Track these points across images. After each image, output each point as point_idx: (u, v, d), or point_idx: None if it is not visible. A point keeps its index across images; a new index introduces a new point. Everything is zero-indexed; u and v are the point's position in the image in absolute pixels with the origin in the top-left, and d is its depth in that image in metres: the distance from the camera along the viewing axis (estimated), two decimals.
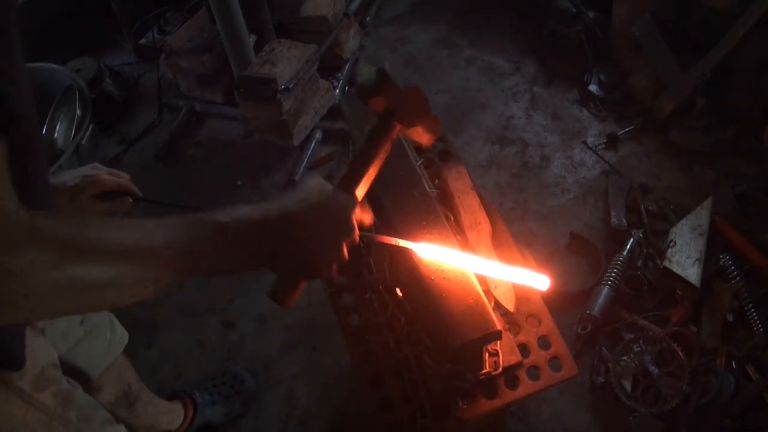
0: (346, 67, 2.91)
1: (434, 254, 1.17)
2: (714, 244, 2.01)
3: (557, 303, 2.02)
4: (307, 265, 0.81)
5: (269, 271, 0.82)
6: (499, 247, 1.46)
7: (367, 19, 3.20)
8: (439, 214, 1.31)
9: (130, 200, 1.26)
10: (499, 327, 1.15)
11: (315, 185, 0.84)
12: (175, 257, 0.69)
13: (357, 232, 0.86)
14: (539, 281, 1.08)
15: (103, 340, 1.37)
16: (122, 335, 1.44)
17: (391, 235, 1.35)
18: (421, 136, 0.99)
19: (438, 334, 1.22)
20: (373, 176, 0.93)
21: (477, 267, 1.18)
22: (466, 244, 1.40)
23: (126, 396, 1.49)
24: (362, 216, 0.87)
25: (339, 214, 0.83)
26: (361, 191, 0.92)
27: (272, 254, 0.78)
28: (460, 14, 3.25)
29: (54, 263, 0.60)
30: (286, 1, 2.83)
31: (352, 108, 1.55)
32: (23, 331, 0.96)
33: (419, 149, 1.65)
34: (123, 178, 1.23)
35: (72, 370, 1.27)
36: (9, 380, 0.94)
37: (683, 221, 2.08)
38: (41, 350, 1.06)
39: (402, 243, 1.09)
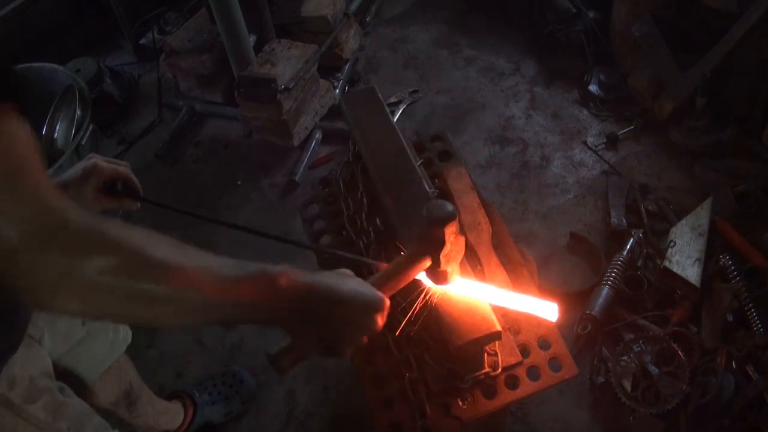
0: (346, 67, 2.92)
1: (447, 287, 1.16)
2: (714, 244, 2.01)
3: (557, 303, 2.02)
4: (331, 344, 0.87)
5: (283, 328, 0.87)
6: (499, 247, 1.46)
7: (367, 19, 3.20)
8: None
9: (136, 205, 1.26)
10: (499, 327, 1.15)
11: (353, 275, 0.92)
12: (220, 289, 0.73)
13: (380, 328, 0.92)
14: (549, 311, 1.09)
15: (105, 341, 1.36)
16: (125, 335, 1.44)
17: (392, 235, 1.35)
18: (440, 277, 1.06)
19: (438, 334, 1.22)
20: (401, 286, 1.02)
21: (488, 296, 1.17)
22: (465, 244, 1.40)
23: (127, 396, 1.49)
24: (384, 318, 0.93)
25: (373, 312, 0.90)
26: (388, 295, 0.98)
27: (305, 323, 0.84)
28: (460, 14, 3.25)
29: (113, 270, 0.64)
30: (286, 1, 2.84)
31: (352, 108, 1.55)
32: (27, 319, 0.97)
33: (419, 149, 1.65)
34: (121, 166, 1.24)
35: (71, 372, 1.27)
36: None
37: (683, 221, 2.08)
38: (34, 360, 1.06)
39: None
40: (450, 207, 1.02)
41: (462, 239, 1.05)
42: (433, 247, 1.02)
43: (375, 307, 0.90)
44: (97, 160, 1.21)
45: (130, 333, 1.45)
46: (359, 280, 0.92)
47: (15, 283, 0.62)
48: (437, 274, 1.06)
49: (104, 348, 1.37)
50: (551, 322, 1.36)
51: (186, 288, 0.70)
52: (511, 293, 1.17)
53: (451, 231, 1.01)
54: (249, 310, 0.78)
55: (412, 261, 1.03)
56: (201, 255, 0.74)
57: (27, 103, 0.64)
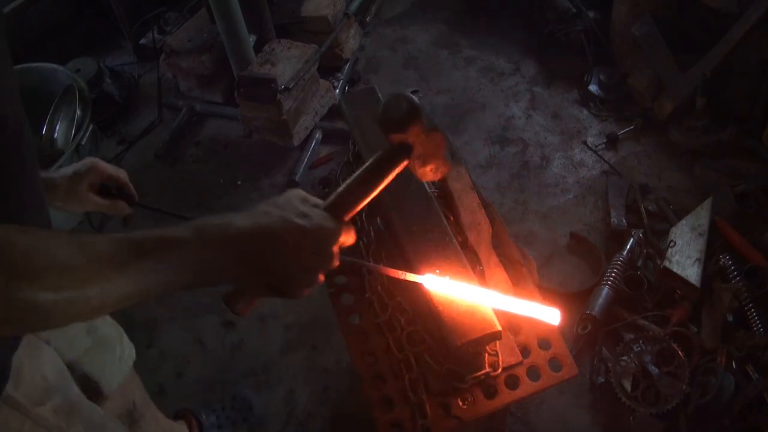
0: (346, 67, 2.92)
1: (442, 287, 1.13)
2: (714, 244, 2.01)
3: (557, 303, 2.02)
4: (279, 285, 0.77)
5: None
6: (499, 246, 1.46)
7: (367, 19, 3.20)
8: (439, 214, 1.31)
9: (128, 208, 1.25)
10: (499, 327, 1.15)
11: (299, 201, 0.79)
12: (121, 282, 0.65)
13: (337, 261, 0.80)
14: (551, 315, 1.04)
15: (113, 354, 1.30)
16: (130, 351, 1.37)
17: (392, 236, 1.35)
18: (426, 175, 0.92)
19: (438, 334, 1.22)
20: (366, 204, 0.87)
21: (488, 300, 1.15)
22: (465, 245, 1.40)
23: (130, 414, 1.42)
24: (345, 239, 0.82)
25: (323, 243, 0.78)
26: (348, 217, 0.85)
27: (244, 268, 0.73)
28: (460, 14, 3.25)
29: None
30: (286, 1, 2.84)
31: (352, 108, 1.55)
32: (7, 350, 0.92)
33: None
34: (121, 172, 1.22)
35: (82, 381, 1.24)
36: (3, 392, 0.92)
37: (683, 221, 2.08)
38: (43, 361, 1.03)
39: (409, 277, 1.04)
40: (410, 100, 0.85)
41: (437, 135, 0.86)
42: (399, 151, 0.87)
43: (322, 237, 0.77)
44: (98, 160, 1.20)
45: (134, 350, 1.39)
46: (306, 207, 0.78)
47: None
48: (421, 174, 0.91)
49: (113, 361, 1.30)
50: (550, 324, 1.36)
51: (93, 284, 0.63)
52: (513, 298, 1.16)
53: (417, 131, 0.85)
54: (165, 285, 0.69)
55: (376, 167, 0.87)
56: (96, 246, 0.65)
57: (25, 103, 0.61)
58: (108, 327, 1.30)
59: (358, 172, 0.87)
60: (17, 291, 0.58)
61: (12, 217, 0.81)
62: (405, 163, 0.88)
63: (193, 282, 0.71)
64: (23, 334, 0.63)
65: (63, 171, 1.17)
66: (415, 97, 0.86)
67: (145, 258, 0.67)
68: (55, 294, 0.61)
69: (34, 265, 0.60)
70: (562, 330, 1.39)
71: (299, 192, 0.81)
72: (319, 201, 0.82)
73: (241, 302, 0.81)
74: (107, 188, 1.22)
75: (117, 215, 1.27)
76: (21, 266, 0.59)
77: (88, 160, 1.18)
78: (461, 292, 1.13)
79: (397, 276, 1.03)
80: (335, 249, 0.80)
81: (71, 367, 1.14)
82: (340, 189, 0.85)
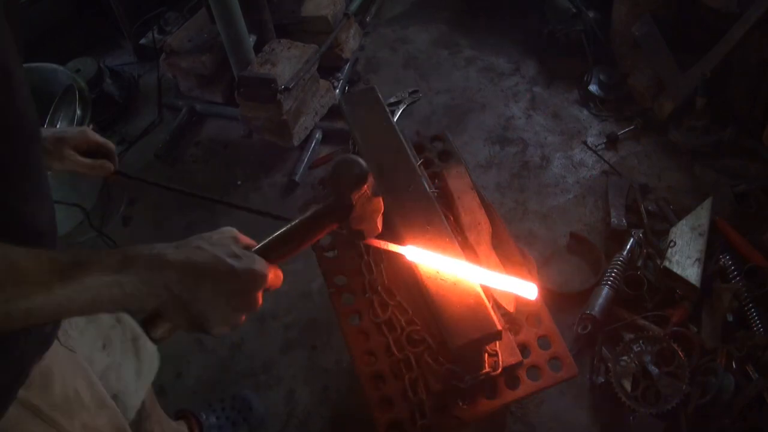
0: (346, 67, 2.92)
1: (424, 258, 1.16)
2: (714, 244, 2.01)
3: (557, 303, 2.03)
4: (200, 321, 0.76)
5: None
6: (499, 247, 1.46)
7: (367, 19, 3.20)
8: (439, 214, 1.31)
9: (111, 167, 1.25)
10: (499, 327, 1.15)
11: (232, 241, 0.79)
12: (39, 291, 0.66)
13: (260, 303, 0.80)
14: (527, 290, 1.07)
15: (129, 369, 1.28)
16: (150, 365, 1.33)
17: (392, 237, 1.35)
18: (357, 235, 0.97)
19: (438, 334, 1.22)
20: (297, 252, 0.89)
21: (466, 272, 1.17)
22: (465, 245, 1.40)
23: (138, 413, 1.44)
24: (273, 283, 0.82)
25: (250, 286, 0.77)
26: (277, 263, 0.86)
27: (169, 299, 0.73)
28: (460, 14, 3.25)
29: None
30: (286, 1, 2.84)
31: (352, 108, 1.55)
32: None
33: (419, 149, 1.65)
34: (109, 143, 1.23)
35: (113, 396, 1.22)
36: (25, 399, 0.91)
37: (683, 221, 2.08)
38: (76, 375, 1.01)
39: (392, 247, 1.08)
40: (359, 166, 0.90)
41: (378, 200, 0.93)
42: (339, 210, 0.90)
43: (250, 284, 0.77)
44: (88, 129, 1.22)
45: (157, 361, 1.36)
46: (238, 248, 0.78)
47: None
48: (351, 234, 0.96)
49: (131, 377, 1.28)
50: (550, 324, 1.36)
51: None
52: (492, 272, 1.19)
53: (361, 193, 0.89)
54: (82, 309, 0.70)
55: (312, 225, 0.90)
56: (10, 257, 0.66)
57: None
58: (121, 342, 1.28)
59: (295, 222, 0.89)
60: None
61: (13, 204, 0.81)
62: (341, 223, 0.92)
63: (110, 306, 0.71)
64: None
65: (51, 129, 1.17)
66: (364, 163, 0.91)
67: (68, 280, 0.68)
68: None
69: None
70: (562, 330, 1.39)
71: (233, 231, 0.81)
72: (251, 242, 0.83)
73: (160, 329, 0.81)
74: (92, 154, 1.22)
75: (99, 176, 1.27)
76: None
77: (78, 128, 1.21)
78: (442, 265, 1.16)
79: (379, 246, 1.06)
80: (260, 292, 0.79)
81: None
82: (275, 235, 0.87)
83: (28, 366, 0.92)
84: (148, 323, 0.81)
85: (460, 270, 1.18)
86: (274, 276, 0.82)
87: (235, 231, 0.81)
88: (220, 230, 0.80)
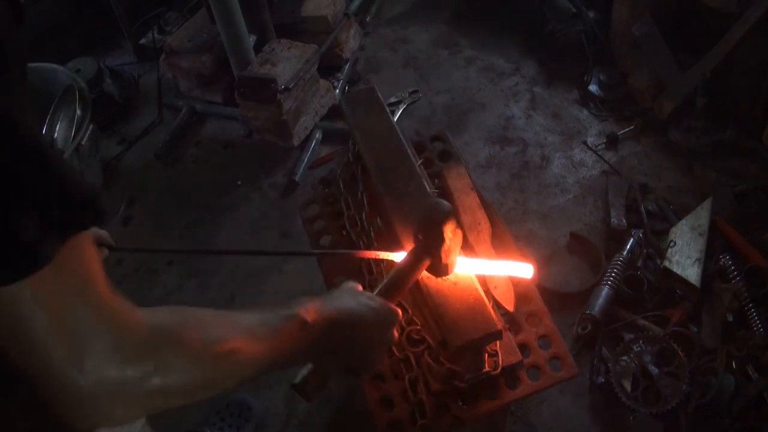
0: (346, 67, 2.92)
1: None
2: (714, 244, 2.01)
3: (557, 303, 2.02)
4: (358, 363, 0.89)
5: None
6: (499, 247, 1.46)
7: (367, 19, 3.20)
8: None
9: (107, 251, 1.24)
10: (499, 327, 1.15)
11: (360, 289, 0.92)
12: (270, 355, 0.74)
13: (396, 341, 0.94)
14: (524, 270, 1.15)
15: None
16: None
17: (392, 237, 1.35)
18: (443, 269, 1.08)
19: (438, 333, 1.22)
20: (406, 290, 1.04)
21: (462, 266, 1.19)
22: (465, 244, 1.40)
23: None
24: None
25: (390, 325, 0.91)
26: (396, 302, 0.99)
27: (331, 350, 0.84)
28: (460, 14, 3.25)
29: (173, 370, 0.63)
30: (286, 1, 2.84)
31: (352, 108, 1.55)
32: None
33: (419, 149, 1.65)
34: (101, 231, 1.21)
35: None
36: None
37: (683, 221, 2.08)
38: None
39: (383, 255, 1.18)
40: (446, 206, 1.05)
41: (460, 233, 1.07)
42: (433, 246, 1.04)
43: (390, 320, 0.91)
44: None
45: None
46: (368, 294, 0.92)
47: (67, 410, 0.59)
48: (438, 269, 1.08)
49: None
50: (550, 324, 1.36)
51: (238, 371, 0.71)
52: (485, 259, 1.24)
53: (449, 228, 1.03)
54: (289, 358, 0.79)
55: (415, 264, 1.04)
56: (240, 320, 0.74)
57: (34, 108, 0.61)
58: None
59: (402, 264, 1.05)
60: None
61: None
62: (436, 255, 1.04)
63: (298, 361, 0.84)
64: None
65: None
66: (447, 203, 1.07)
67: (292, 337, 0.78)
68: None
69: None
70: (561, 330, 1.39)
71: (354, 283, 0.95)
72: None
73: (313, 384, 0.93)
74: None
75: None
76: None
77: None
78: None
79: (370, 257, 1.21)
80: (394, 329, 0.93)
81: None
82: (387, 280, 1.02)
83: None
84: (303, 384, 0.93)
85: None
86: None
87: (355, 283, 0.94)
88: (343, 285, 0.93)
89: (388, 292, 0.99)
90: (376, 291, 0.99)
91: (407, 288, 1.04)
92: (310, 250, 1.24)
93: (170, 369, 0.63)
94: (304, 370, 0.92)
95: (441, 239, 1.02)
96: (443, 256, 1.05)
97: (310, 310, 0.80)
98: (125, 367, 0.59)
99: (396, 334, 0.94)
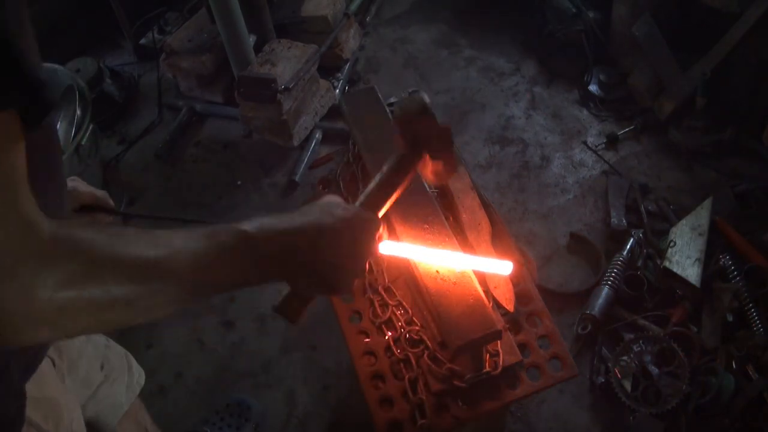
0: (346, 67, 2.91)
1: (397, 251, 1.19)
2: (714, 244, 2.01)
3: (557, 303, 2.03)
4: (331, 280, 0.79)
5: (284, 283, 0.80)
6: (499, 247, 1.46)
7: (367, 19, 3.20)
8: (440, 214, 1.31)
9: (109, 218, 1.23)
10: (499, 327, 1.15)
11: (337, 201, 0.83)
12: (197, 269, 0.67)
13: (378, 249, 0.85)
14: (503, 267, 1.12)
15: (122, 384, 1.31)
16: (139, 377, 1.37)
17: (391, 237, 1.35)
18: (438, 174, 0.98)
19: (438, 334, 1.22)
20: (394, 202, 0.95)
21: (441, 259, 1.19)
22: (465, 244, 1.40)
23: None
24: (381, 235, 0.87)
25: (366, 232, 0.83)
26: (382, 213, 0.92)
27: (296, 267, 0.76)
28: (460, 14, 3.25)
29: (75, 280, 0.57)
30: (286, 1, 2.84)
31: (352, 108, 1.55)
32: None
33: None
34: (99, 192, 1.19)
35: (94, 420, 1.22)
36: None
37: (683, 221, 2.08)
38: (70, 407, 1.02)
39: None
40: (422, 97, 0.94)
41: (447, 128, 0.95)
42: (415, 144, 0.94)
43: (366, 228, 0.83)
44: (77, 183, 1.16)
45: (143, 374, 1.39)
46: (344, 204, 0.83)
47: None
48: (434, 174, 0.98)
49: (122, 392, 1.31)
50: (550, 324, 1.36)
51: (162, 280, 0.64)
52: (466, 255, 1.22)
53: (430, 123, 0.93)
54: (233, 279, 0.72)
55: (397, 166, 0.94)
56: (171, 239, 0.66)
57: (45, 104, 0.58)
58: (117, 358, 1.30)
59: (380, 173, 0.94)
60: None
61: None
62: (423, 158, 0.95)
63: (251, 279, 0.74)
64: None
65: None
66: (426, 95, 0.95)
67: (226, 251, 0.69)
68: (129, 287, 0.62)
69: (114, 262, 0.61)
70: (562, 330, 1.39)
71: (336, 197, 0.86)
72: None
73: (294, 306, 0.85)
74: (87, 207, 1.20)
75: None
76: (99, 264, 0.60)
77: (70, 185, 1.14)
78: (418, 255, 1.18)
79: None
80: (376, 238, 0.85)
81: (82, 410, 1.13)
82: (368, 189, 0.92)
83: (22, 411, 0.90)
84: (281, 305, 0.85)
85: (434, 257, 1.19)
86: (382, 228, 0.86)
87: (337, 197, 0.85)
88: (324, 198, 0.84)
89: (370, 200, 0.91)
90: (358, 201, 0.91)
91: (393, 195, 0.93)
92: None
93: (80, 282, 0.57)
94: (284, 292, 0.85)
95: (431, 127, 0.92)
96: (429, 161, 0.94)
97: (255, 223, 0.72)
98: (31, 278, 0.54)
99: (377, 245, 0.83)
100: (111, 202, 1.21)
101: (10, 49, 0.53)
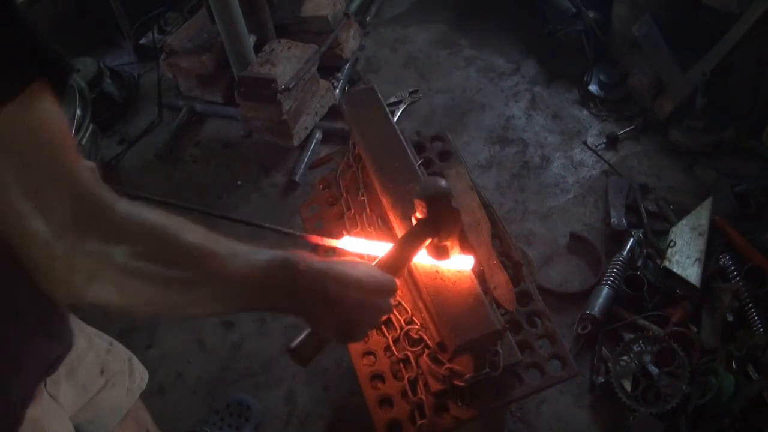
0: (346, 67, 2.92)
1: (358, 248, 1.24)
2: (714, 244, 2.01)
3: (557, 303, 2.03)
4: (350, 326, 0.88)
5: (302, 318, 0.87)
6: (499, 247, 1.46)
7: (367, 19, 3.20)
8: None
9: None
10: (498, 327, 1.15)
11: (360, 262, 0.93)
12: (249, 279, 0.74)
13: (391, 311, 0.95)
14: (464, 262, 1.16)
15: (122, 389, 1.32)
16: (140, 381, 1.38)
17: (391, 237, 1.35)
18: (441, 253, 1.11)
19: (437, 334, 1.22)
20: (406, 266, 1.06)
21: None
22: (465, 244, 1.40)
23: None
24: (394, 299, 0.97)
25: (386, 294, 0.92)
26: (398, 277, 1.01)
27: (323, 308, 0.84)
28: (460, 14, 3.25)
29: (145, 253, 0.65)
30: (286, 1, 2.84)
31: (352, 108, 1.55)
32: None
33: (419, 149, 1.65)
34: (89, 163, 1.21)
35: (90, 424, 1.23)
36: None
37: (683, 221, 2.08)
38: (53, 426, 1.03)
39: (329, 242, 1.24)
40: (442, 182, 1.05)
41: (458, 212, 1.07)
42: (431, 223, 1.04)
43: (387, 288, 0.92)
44: None
45: (146, 375, 1.40)
46: (368, 264, 0.93)
47: (48, 276, 0.62)
48: (438, 250, 1.09)
49: (121, 397, 1.32)
50: (550, 324, 1.36)
51: (217, 273, 0.71)
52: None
53: (447, 206, 1.03)
54: (271, 297, 0.78)
55: (413, 240, 1.05)
56: (230, 242, 0.75)
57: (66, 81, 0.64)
58: (118, 363, 1.30)
59: (401, 240, 1.06)
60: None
61: None
62: (432, 238, 1.06)
63: (282, 308, 0.83)
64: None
65: None
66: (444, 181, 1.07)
67: (274, 276, 0.77)
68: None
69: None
70: (562, 330, 1.39)
71: (355, 257, 0.99)
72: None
73: (309, 350, 0.93)
74: None
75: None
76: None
77: None
78: (379, 251, 1.20)
79: (318, 242, 1.28)
80: (392, 298, 0.95)
81: (79, 414, 1.14)
82: (386, 254, 1.02)
83: (21, 411, 0.92)
84: (299, 348, 0.93)
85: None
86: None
87: (358, 259, 0.97)
88: (350, 257, 0.97)
89: (387, 265, 1.00)
90: (375, 262, 1.00)
91: (406, 264, 1.05)
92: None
93: (149, 255, 0.66)
94: (302, 336, 0.93)
95: (438, 216, 1.03)
96: (442, 236, 1.06)
97: (304, 259, 0.80)
98: (95, 242, 0.62)
99: (393, 305, 0.94)
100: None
101: (28, 28, 0.60)
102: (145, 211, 0.68)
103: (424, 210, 1.04)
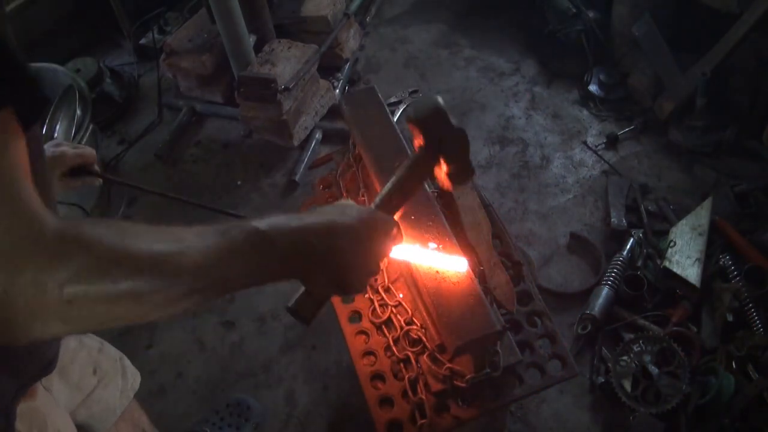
0: (346, 67, 2.92)
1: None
2: (714, 244, 2.01)
3: (557, 303, 2.03)
4: (345, 279, 0.79)
5: (298, 283, 0.80)
6: (499, 247, 1.46)
7: (367, 19, 3.20)
8: (439, 214, 1.31)
9: (98, 181, 1.24)
10: (499, 327, 1.15)
11: (351, 204, 0.84)
12: (207, 265, 0.65)
13: (392, 250, 0.85)
14: (458, 264, 1.14)
15: (115, 389, 1.31)
16: (133, 382, 1.37)
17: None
18: (453, 178, 0.96)
19: (438, 334, 1.22)
20: (407, 203, 0.94)
21: (402, 253, 1.19)
22: (465, 244, 1.40)
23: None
24: (397, 236, 0.87)
25: (381, 232, 0.83)
26: (397, 215, 0.92)
27: (310, 266, 0.75)
28: (460, 14, 3.25)
29: (84, 275, 0.57)
30: (286, 1, 2.84)
31: (352, 108, 1.55)
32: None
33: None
34: (87, 151, 1.19)
35: (86, 425, 1.23)
36: None
37: (683, 221, 2.08)
38: (52, 416, 1.02)
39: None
40: (438, 99, 0.93)
41: (461, 130, 0.93)
42: (430, 146, 0.92)
43: (382, 228, 0.83)
44: (64, 149, 1.16)
45: (138, 376, 1.39)
46: (359, 206, 0.83)
47: None
48: (447, 177, 0.95)
49: (115, 397, 1.31)
50: (550, 324, 1.36)
51: (173, 275, 0.63)
52: (423, 250, 1.22)
53: (445, 125, 0.91)
54: (246, 277, 0.70)
55: (412, 172, 0.93)
56: (182, 235, 0.66)
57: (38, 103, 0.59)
58: (109, 363, 1.30)
59: (395, 176, 0.93)
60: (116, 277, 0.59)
61: None
62: (438, 161, 0.93)
63: (263, 277, 0.73)
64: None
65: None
66: (440, 99, 0.93)
67: (237, 248, 0.68)
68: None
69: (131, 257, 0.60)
70: (562, 330, 1.39)
71: (349, 201, 0.87)
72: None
73: (309, 307, 0.84)
74: (76, 169, 1.20)
75: (87, 185, 1.25)
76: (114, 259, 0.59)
77: (57, 150, 1.14)
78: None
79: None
80: (390, 239, 0.85)
81: (73, 415, 1.14)
82: (383, 191, 0.92)
83: (13, 404, 0.91)
84: (297, 306, 0.84)
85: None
86: (397, 227, 0.87)
87: (351, 201, 0.86)
88: (338, 201, 0.85)
89: (385, 202, 0.91)
90: (373, 203, 0.91)
91: (407, 197, 0.93)
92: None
93: (89, 276, 0.57)
94: (298, 293, 0.84)
95: (436, 136, 0.90)
96: (443, 165, 0.92)
97: (267, 221, 0.72)
98: (39, 274, 0.55)
99: (391, 246, 0.84)
100: (96, 166, 1.22)
101: (5, 48, 0.54)
102: (86, 226, 0.60)
103: (420, 134, 0.92)
